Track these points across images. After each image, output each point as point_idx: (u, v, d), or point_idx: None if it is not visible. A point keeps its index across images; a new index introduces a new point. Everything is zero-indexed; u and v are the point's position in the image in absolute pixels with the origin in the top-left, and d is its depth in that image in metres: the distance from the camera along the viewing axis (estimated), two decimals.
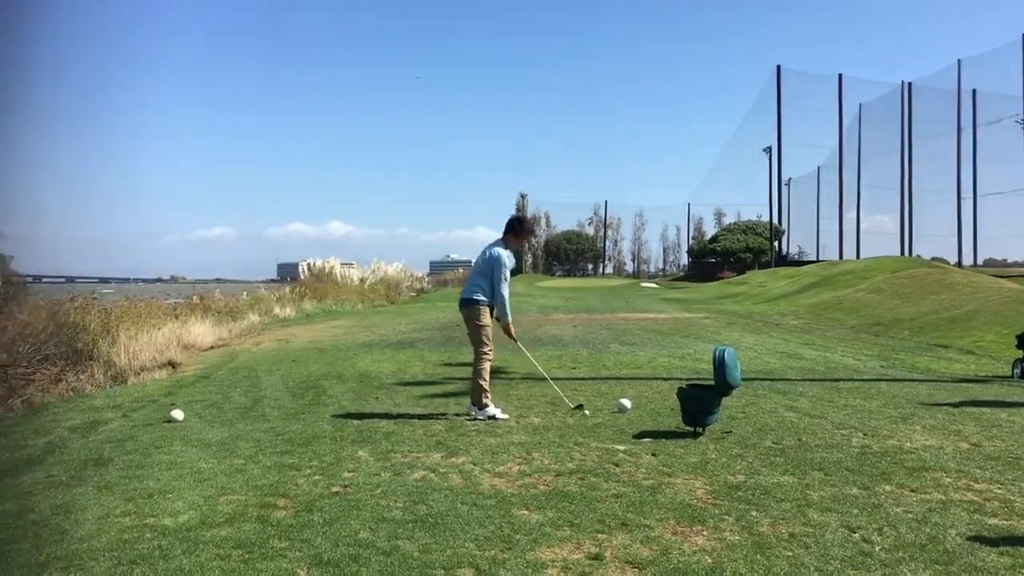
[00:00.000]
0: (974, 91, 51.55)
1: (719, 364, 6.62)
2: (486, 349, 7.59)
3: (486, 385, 7.54)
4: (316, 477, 5.40)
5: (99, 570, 3.77)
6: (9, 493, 5.18)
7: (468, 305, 7.67)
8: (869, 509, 4.63)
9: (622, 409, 7.75)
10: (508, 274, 7.68)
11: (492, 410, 7.48)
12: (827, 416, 7.54)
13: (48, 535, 4.30)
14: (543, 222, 79.00)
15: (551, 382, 8.38)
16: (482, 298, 7.62)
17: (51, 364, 10.45)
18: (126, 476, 5.52)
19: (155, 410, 8.24)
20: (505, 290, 7.63)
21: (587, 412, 7.67)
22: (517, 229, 7.91)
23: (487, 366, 7.59)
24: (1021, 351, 10.50)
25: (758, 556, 3.88)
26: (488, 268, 7.65)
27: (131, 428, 7.32)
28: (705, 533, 4.24)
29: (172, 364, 12.38)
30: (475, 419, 7.41)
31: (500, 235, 7.90)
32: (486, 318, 7.63)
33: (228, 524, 4.42)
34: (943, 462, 5.73)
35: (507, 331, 7.78)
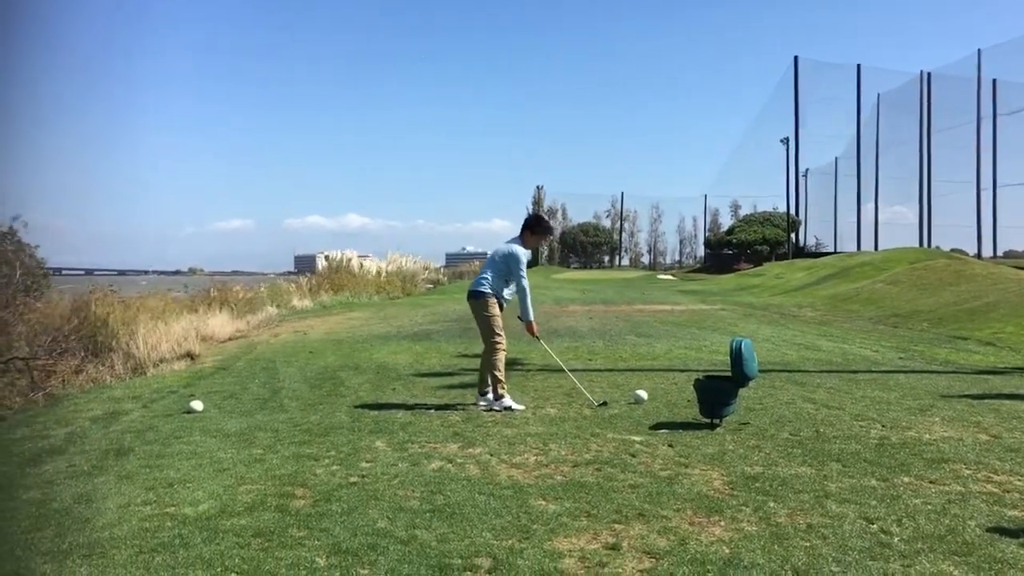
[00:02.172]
0: (994, 80, 50.90)
1: (736, 355, 6.60)
2: (497, 339, 7.59)
3: (501, 376, 7.55)
4: (334, 467, 5.43)
5: (120, 558, 3.82)
6: (32, 482, 5.25)
7: (475, 297, 7.68)
8: (888, 500, 4.61)
9: (639, 400, 7.75)
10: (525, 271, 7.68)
11: (508, 401, 7.49)
12: (845, 407, 7.50)
13: (70, 523, 4.36)
14: (559, 214, 78.96)
15: (575, 380, 8.37)
16: (488, 290, 7.62)
17: (71, 356, 10.56)
18: (147, 466, 5.58)
19: (174, 401, 8.31)
20: (526, 287, 7.62)
21: (594, 402, 7.70)
22: (534, 228, 7.87)
23: (501, 356, 7.59)
24: None
25: (775, 547, 3.88)
26: (504, 265, 7.64)
27: (151, 419, 7.39)
28: (722, 524, 4.23)
29: (191, 356, 12.47)
30: (491, 409, 7.43)
31: (517, 231, 7.88)
32: (494, 309, 7.62)
33: (247, 513, 4.46)
34: (962, 454, 5.70)
35: (530, 329, 7.78)
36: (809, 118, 55.82)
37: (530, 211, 68.88)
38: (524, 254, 7.67)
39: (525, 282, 7.61)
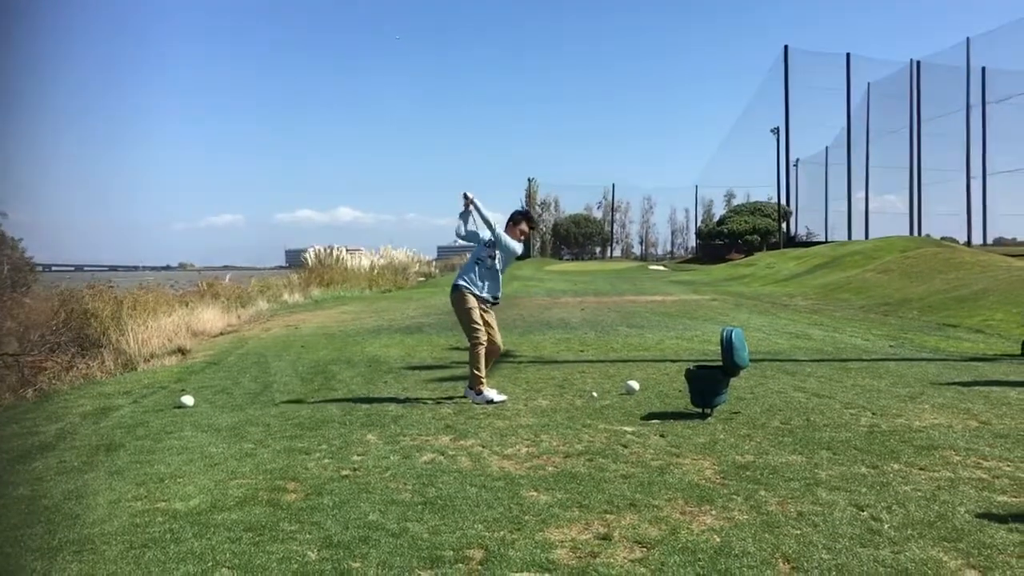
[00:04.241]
0: (983, 69, 51.00)
1: (727, 345, 6.61)
2: (477, 334, 7.50)
3: (481, 371, 7.50)
4: (325, 461, 5.43)
5: (111, 554, 3.81)
6: (22, 478, 5.23)
7: (453, 292, 7.65)
8: (878, 488, 4.63)
9: (630, 391, 7.76)
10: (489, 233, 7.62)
11: (488, 393, 7.48)
12: (835, 396, 7.53)
13: (60, 520, 4.34)
14: (552, 206, 78.92)
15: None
16: (463, 283, 7.57)
17: (62, 352, 10.53)
18: (137, 461, 5.56)
19: (165, 396, 8.28)
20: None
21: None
22: (516, 220, 7.81)
23: (481, 351, 7.50)
24: None
25: (766, 535, 3.89)
26: (478, 249, 7.65)
27: (142, 414, 7.37)
28: (713, 512, 4.24)
29: (181, 351, 12.43)
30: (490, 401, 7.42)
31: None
32: (470, 301, 7.53)
33: (238, 507, 4.45)
34: (952, 440, 5.73)
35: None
36: (799, 107, 55.87)
37: (522, 203, 68.95)
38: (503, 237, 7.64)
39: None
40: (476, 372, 7.48)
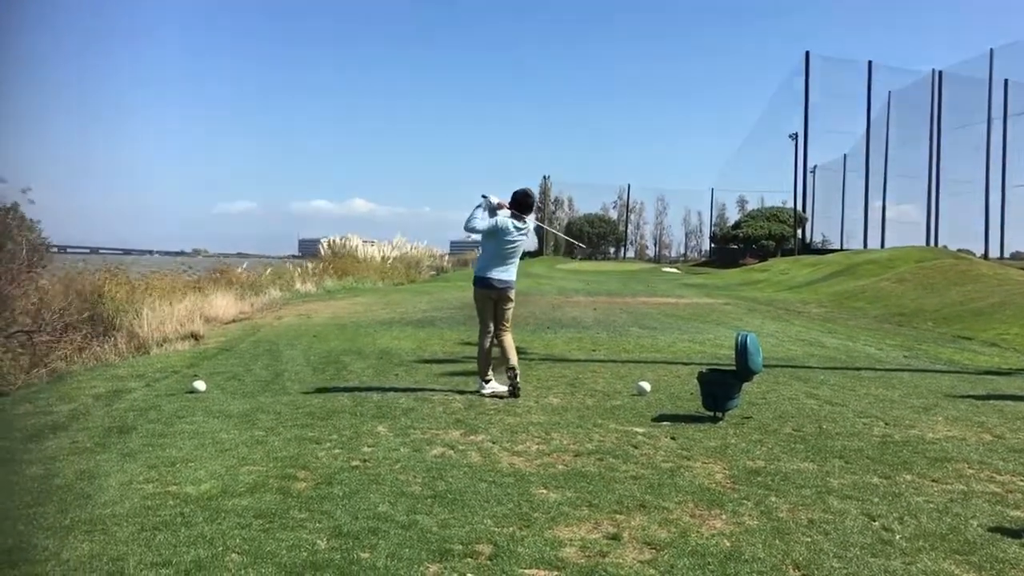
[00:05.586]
0: (1006, 80, 50.56)
1: (741, 349, 6.58)
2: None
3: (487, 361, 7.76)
4: (336, 451, 5.44)
5: (122, 535, 3.83)
6: (34, 458, 5.26)
7: (514, 287, 7.85)
8: (890, 498, 4.61)
9: (641, 392, 7.74)
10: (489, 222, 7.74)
11: (490, 387, 7.66)
12: (848, 404, 7.49)
13: (72, 499, 4.37)
14: (566, 205, 78.91)
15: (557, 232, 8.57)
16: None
17: (75, 333, 10.55)
18: (149, 444, 5.59)
19: (178, 380, 8.32)
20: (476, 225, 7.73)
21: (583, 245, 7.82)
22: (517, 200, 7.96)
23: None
24: None
25: (776, 541, 3.87)
26: (520, 247, 7.87)
27: (154, 397, 7.40)
28: (723, 517, 4.23)
29: (195, 336, 12.46)
30: (512, 393, 7.50)
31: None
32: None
33: (249, 494, 4.47)
34: (965, 453, 5.68)
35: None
36: (819, 114, 55.54)
37: (536, 201, 68.95)
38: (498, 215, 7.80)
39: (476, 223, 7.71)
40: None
